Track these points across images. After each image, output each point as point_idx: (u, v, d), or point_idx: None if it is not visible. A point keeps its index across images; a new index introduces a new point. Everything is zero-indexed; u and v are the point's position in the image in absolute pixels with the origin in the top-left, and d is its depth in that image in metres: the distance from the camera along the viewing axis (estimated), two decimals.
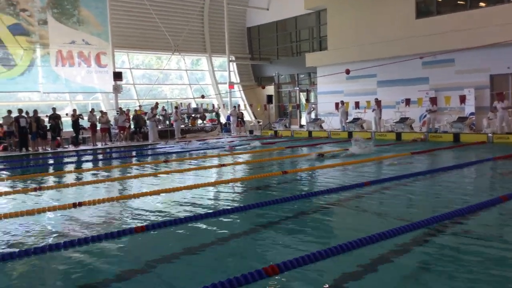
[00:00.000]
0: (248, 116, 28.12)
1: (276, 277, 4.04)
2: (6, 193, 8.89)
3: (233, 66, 29.20)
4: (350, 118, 21.70)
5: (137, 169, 12.33)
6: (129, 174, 11.32)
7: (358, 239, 4.80)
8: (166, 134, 22.67)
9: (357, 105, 21.04)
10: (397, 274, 4.13)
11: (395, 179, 8.82)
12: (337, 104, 21.61)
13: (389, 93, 21.20)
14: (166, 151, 16.74)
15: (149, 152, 17.40)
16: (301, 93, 27.75)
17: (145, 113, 22.52)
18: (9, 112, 18.19)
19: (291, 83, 28.57)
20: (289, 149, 16.05)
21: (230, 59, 27.74)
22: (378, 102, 20.03)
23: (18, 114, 18.03)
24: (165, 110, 23.90)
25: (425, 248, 4.80)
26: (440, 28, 18.79)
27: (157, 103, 23.24)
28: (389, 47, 20.31)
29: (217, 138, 22.30)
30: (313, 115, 23.93)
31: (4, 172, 12.71)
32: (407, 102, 19.34)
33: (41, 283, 4.34)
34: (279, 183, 9.15)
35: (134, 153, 17.41)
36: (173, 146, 18.66)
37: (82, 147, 19.41)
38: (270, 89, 28.37)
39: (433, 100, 18.46)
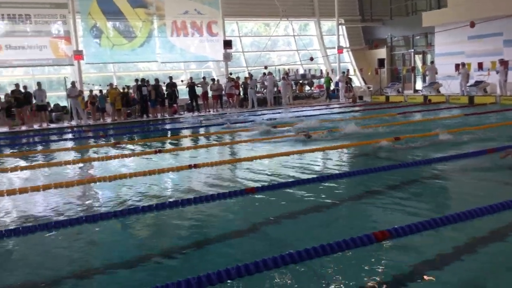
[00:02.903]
0: (357, 82, 27.26)
1: (385, 243, 3.93)
2: (131, 155, 9.72)
3: (343, 30, 28.30)
4: (471, 82, 19.98)
5: (246, 134, 12.62)
6: (239, 139, 11.66)
7: (477, 208, 4.44)
8: (264, 102, 22.89)
9: (480, 66, 19.27)
10: None
11: None
12: (457, 66, 19.97)
13: None
14: (270, 117, 16.90)
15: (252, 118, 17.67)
16: (416, 56, 26.10)
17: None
18: (137, 81, 19.70)
19: (405, 45, 26.98)
20: (401, 115, 15.32)
21: (340, 22, 26.90)
22: (503, 63, 18.14)
23: (140, 83, 19.46)
24: (274, 76, 24.00)
25: None
26: None
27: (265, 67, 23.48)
28: None
29: (322, 105, 22.02)
30: (429, 79, 22.44)
31: (130, 136, 13.89)
32: None
33: (158, 237, 4.72)
34: (390, 149, 8.78)
35: (239, 119, 17.68)
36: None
37: (194, 114, 20.39)
38: (381, 52, 27.09)
39: None
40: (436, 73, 21.77)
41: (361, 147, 9.27)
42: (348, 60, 28.42)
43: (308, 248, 3.66)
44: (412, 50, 26.02)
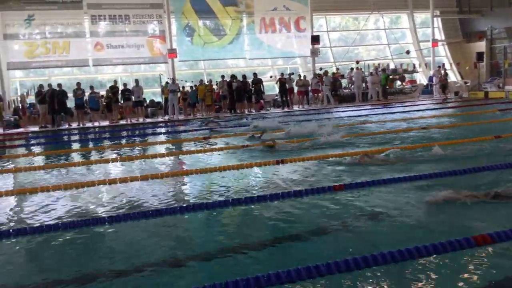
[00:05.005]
0: (453, 76, 25.73)
1: (486, 248, 3.67)
2: (221, 149, 10.02)
3: (438, 22, 26.85)
4: None
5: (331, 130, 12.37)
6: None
7: None
8: (351, 98, 22.36)
9: None
10: None
11: None
12: None
13: None
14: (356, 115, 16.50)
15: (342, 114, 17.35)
16: None
17: (342, 76, 22.59)
18: (223, 77, 20.28)
19: (507, 37, 24.96)
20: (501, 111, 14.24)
21: (435, 14, 25.55)
22: None
23: (230, 79, 19.98)
24: (363, 71, 23.41)
25: None
26: None
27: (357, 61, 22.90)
28: None
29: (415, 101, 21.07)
30: None
31: (219, 130, 14.33)
32: None
33: (246, 230, 4.80)
34: (492, 148, 8.18)
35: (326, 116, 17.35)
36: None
37: (276, 110, 20.44)
38: (480, 46, 25.33)
39: None
40: None
41: (460, 145, 8.73)
42: (443, 54, 26.94)
43: (401, 249, 3.53)
44: None
